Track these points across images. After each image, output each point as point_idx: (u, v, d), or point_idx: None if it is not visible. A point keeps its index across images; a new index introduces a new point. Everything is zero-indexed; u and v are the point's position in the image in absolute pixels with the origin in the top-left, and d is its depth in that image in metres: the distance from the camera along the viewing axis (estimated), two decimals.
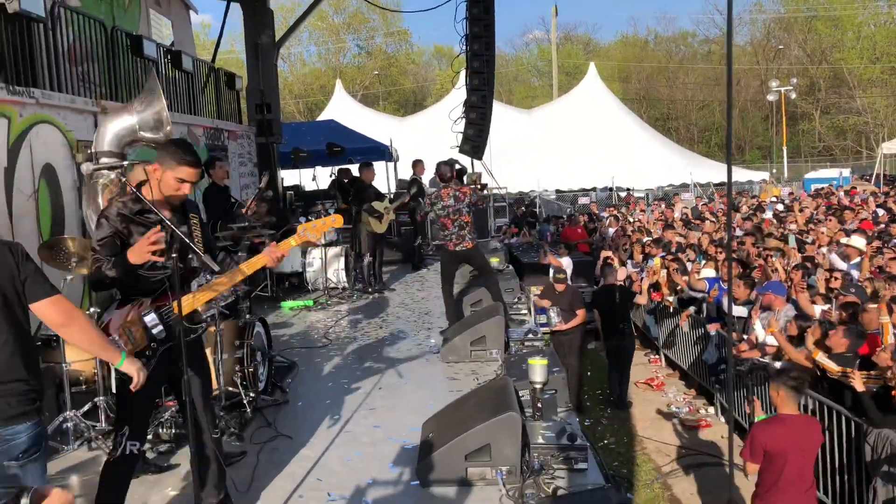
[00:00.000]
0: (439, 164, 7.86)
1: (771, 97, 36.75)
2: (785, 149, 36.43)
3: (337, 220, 3.93)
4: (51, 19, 7.24)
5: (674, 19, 75.34)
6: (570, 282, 10.57)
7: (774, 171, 34.59)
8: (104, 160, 4.77)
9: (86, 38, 8.28)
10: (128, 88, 9.11)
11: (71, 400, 4.72)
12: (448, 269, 7.58)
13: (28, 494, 0.94)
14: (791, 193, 21.28)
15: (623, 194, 24.72)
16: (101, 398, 4.72)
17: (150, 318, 3.27)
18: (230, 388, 5.16)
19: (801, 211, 14.60)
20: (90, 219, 4.66)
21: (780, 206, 16.56)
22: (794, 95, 36.51)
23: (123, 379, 3.11)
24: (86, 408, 4.81)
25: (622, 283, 10.27)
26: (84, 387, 4.89)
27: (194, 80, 11.40)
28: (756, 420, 4.68)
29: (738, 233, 12.45)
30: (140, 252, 3.11)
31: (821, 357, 5.96)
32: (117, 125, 4.99)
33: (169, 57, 10.50)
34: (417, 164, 13.01)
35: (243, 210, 7.08)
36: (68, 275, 4.83)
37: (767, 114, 46.14)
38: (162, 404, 5.12)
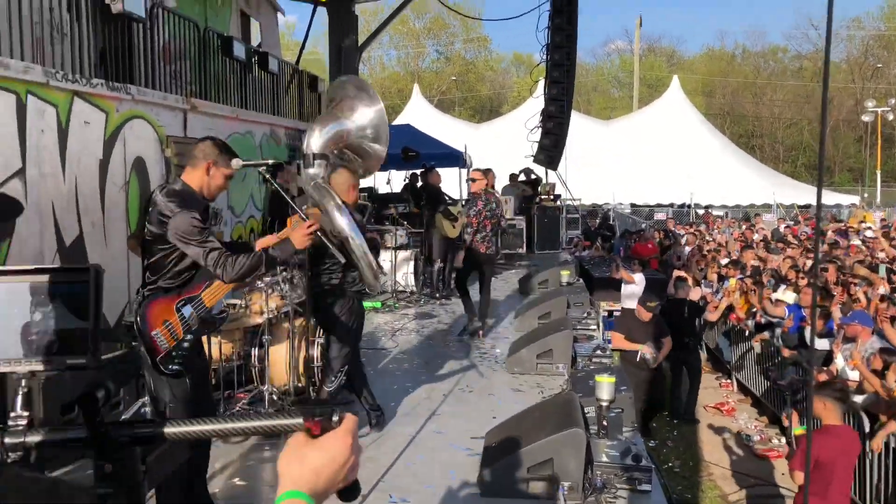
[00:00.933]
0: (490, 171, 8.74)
1: (866, 117, 35.10)
2: (879, 172, 34.72)
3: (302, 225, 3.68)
4: (150, 19, 7.59)
5: (764, 34, 72.89)
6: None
7: (866, 195, 33.02)
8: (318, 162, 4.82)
9: (180, 38, 8.64)
10: (217, 87, 9.46)
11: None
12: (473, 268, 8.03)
13: (338, 413, 1.03)
14: (884, 219, 20.23)
15: (701, 212, 24.08)
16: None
17: (188, 310, 3.32)
18: (299, 384, 5.27)
19: (893, 239, 13.89)
20: (332, 209, 4.68)
21: (869, 233, 15.77)
22: (891, 116, 34.76)
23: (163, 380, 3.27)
24: None
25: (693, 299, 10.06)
26: None
27: (279, 81, 11.74)
28: (794, 432, 4.62)
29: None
30: (301, 237, 3.37)
31: None
32: (335, 129, 5.05)
33: (256, 58, 10.84)
34: (488, 173, 12.98)
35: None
36: None
37: (861, 135, 44.15)
38: (233, 396, 5.30)
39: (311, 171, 4.71)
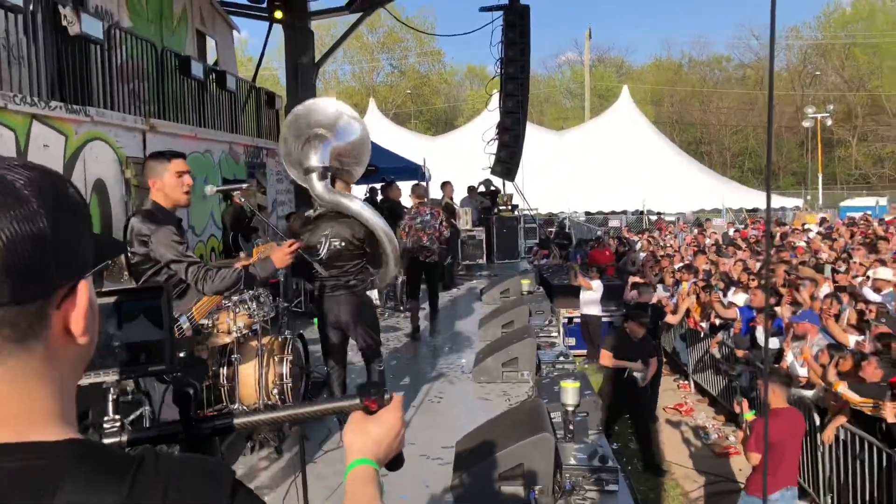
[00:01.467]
0: (418, 186, 9.27)
1: (806, 123, 36.44)
2: (820, 175, 36.04)
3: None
4: (107, 41, 7.56)
5: (708, 44, 75.11)
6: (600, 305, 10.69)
7: (809, 197, 34.22)
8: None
9: (137, 59, 8.62)
10: (175, 106, 9.44)
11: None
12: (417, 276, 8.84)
13: (389, 392, 1.22)
14: (825, 221, 21.04)
15: (654, 218, 24.67)
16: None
17: (184, 321, 3.49)
18: (269, 402, 5.32)
19: (834, 240, 14.49)
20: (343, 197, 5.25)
21: (812, 234, 16.42)
22: (830, 122, 36.16)
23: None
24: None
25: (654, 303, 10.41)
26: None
27: (236, 99, 11.75)
28: (745, 417, 5.17)
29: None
30: (283, 256, 3.51)
31: (842, 388, 5.98)
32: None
33: (213, 76, 10.84)
34: (446, 186, 13.18)
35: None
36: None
37: (803, 140, 45.74)
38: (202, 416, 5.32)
39: (320, 185, 5.08)
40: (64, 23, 6.73)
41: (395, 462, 1.26)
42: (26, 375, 0.76)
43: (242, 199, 3.99)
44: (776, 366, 7.44)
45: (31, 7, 6.33)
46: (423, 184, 10.26)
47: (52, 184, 0.80)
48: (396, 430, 1.21)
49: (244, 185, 3.66)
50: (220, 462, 0.90)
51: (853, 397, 5.92)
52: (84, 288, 0.81)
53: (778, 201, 26.97)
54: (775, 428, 4.98)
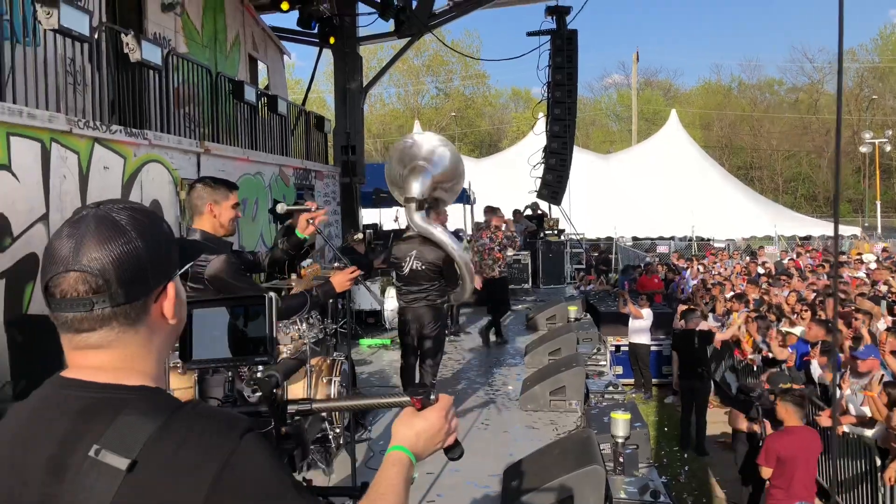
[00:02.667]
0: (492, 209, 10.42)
1: (864, 148, 35.49)
2: (878, 203, 34.95)
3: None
4: (164, 66, 7.79)
5: (760, 66, 73.93)
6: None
7: (866, 224, 33.20)
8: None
9: (192, 84, 8.86)
10: (228, 130, 9.66)
11: None
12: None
13: (435, 394, 1.44)
14: (885, 250, 20.34)
15: (703, 244, 24.22)
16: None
17: None
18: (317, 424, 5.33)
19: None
20: (428, 224, 6.00)
21: (872, 265, 15.88)
22: (888, 147, 35.13)
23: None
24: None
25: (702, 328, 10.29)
26: None
27: (286, 123, 11.97)
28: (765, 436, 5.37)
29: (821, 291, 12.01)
30: (342, 282, 3.53)
31: None
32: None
33: (265, 100, 11.07)
34: (494, 212, 13.15)
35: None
36: None
37: (860, 166, 44.53)
38: None
39: (417, 214, 5.92)
40: (126, 50, 6.96)
41: (451, 451, 1.51)
42: (134, 346, 1.13)
43: (315, 224, 4.00)
44: (791, 387, 7.33)
45: (95, 36, 6.57)
46: (497, 207, 10.90)
47: (145, 217, 1.16)
48: (438, 427, 1.41)
49: (313, 208, 3.70)
50: (243, 416, 1.15)
51: None
52: (172, 286, 1.17)
53: (833, 229, 26.21)
54: (787, 445, 5.38)
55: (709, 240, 24.62)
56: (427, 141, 6.26)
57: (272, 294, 1.75)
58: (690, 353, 9.60)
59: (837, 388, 7.14)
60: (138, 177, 7.00)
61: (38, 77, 5.92)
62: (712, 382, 11.70)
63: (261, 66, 14.57)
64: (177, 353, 1.68)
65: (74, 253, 1.08)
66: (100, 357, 1.11)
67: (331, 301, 7.42)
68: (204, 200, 3.39)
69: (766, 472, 5.52)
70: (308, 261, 7.09)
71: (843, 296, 10.97)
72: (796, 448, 5.38)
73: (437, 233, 5.93)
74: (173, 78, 8.25)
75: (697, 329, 9.83)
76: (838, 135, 1.83)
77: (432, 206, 6.09)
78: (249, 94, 10.07)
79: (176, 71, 8.36)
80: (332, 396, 5.39)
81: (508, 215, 15.64)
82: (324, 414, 5.33)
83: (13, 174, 5.32)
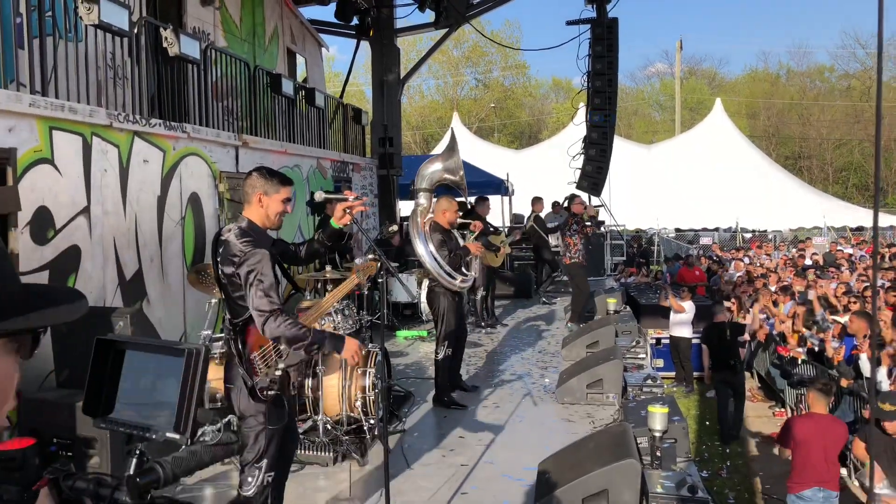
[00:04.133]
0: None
1: None
2: None
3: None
4: (203, 60, 7.88)
5: (809, 53, 71.73)
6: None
7: None
8: (421, 194, 6.42)
9: (231, 77, 8.94)
10: (266, 123, 9.74)
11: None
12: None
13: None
14: None
15: (748, 236, 23.66)
16: (234, 416, 4.99)
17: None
18: (351, 414, 5.34)
19: None
20: (414, 236, 6.35)
21: None
22: None
23: (276, 415, 3.32)
24: (221, 423, 5.11)
25: (730, 319, 10.42)
26: (220, 403, 5.21)
27: (324, 115, 12.02)
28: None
29: (879, 283, 11.61)
30: (350, 351, 3.41)
31: None
32: (429, 169, 6.50)
33: (303, 93, 11.13)
34: (536, 202, 13.06)
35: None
36: (212, 298, 5.18)
37: None
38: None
39: (419, 200, 6.35)
40: (165, 44, 7.05)
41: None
42: None
43: (351, 214, 3.98)
44: (819, 376, 8.23)
45: (135, 30, 6.67)
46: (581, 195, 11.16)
47: None
48: None
49: (351, 198, 3.69)
50: None
51: None
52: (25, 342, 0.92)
53: (886, 220, 25.33)
54: (805, 428, 5.65)
55: (754, 231, 24.05)
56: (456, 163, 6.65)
57: (197, 348, 1.42)
58: (720, 345, 9.57)
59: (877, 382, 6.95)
60: (177, 170, 7.10)
61: (79, 72, 6.03)
62: (757, 376, 11.45)
63: (299, 60, 14.66)
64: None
65: None
66: None
67: (366, 292, 7.44)
68: (255, 189, 3.34)
69: (784, 452, 5.86)
70: (360, 260, 7.14)
71: (893, 292, 10.59)
72: (814, 433, 5.57)
73: (413, 234, 6.34)
74: (212, 72, 8.33)
75: (727, 321, 9.86)
76: (878, 120, 1.73)
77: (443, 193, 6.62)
78: (287, 87, 10.13)
79: (214, 65, 8.45)
80: (367, 388, 5.41)
81: (548, 208, 15.53)
82: (360, 402, 5.34)
83: (56, 167, 5.44)
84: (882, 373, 7.50)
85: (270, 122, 9.90)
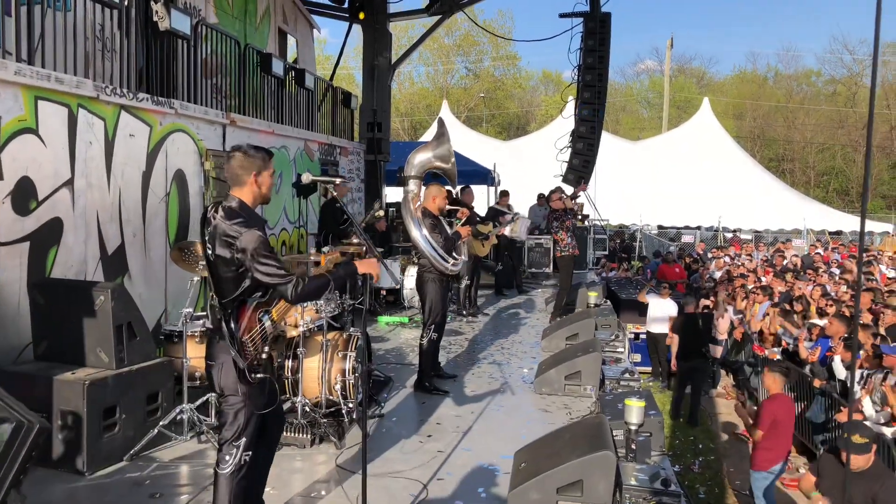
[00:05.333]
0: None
1: None
2: None
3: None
4: (193, 36, 7.80)
5: (798, 56, 72.19)
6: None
7: None
8: (411, 181, 6.44)
9: (221, 55, 8.86)
10: (254, 102, 9.66)
11: (187, 393, 5.04)
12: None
13: None
14: None
15: (729, 235, 23.88)
16: (213, 394, 4.99)
17: (266, 320, 3.36)
18: (330, 397, 5.36)
19: None
20: (408, 221, 6.40)
21: None
22: None
23: (259, 397, 3.35)
24: (199, 402, 5.11)
25: (702, 310, 10.81)
26: (199, 382, 5.21)
27: (313, 97, 11.95)
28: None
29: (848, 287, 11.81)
30: (368, 266, 3.57)
31: None
32: (419, 157, 6.54)
33: (293, 74, 11.05)
34: (504, 196, 13.06)
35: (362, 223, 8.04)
36: (195, 276, 5.17)
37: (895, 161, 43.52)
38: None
39: (409, 186, 6.39)
40: (155, 18, 6.97)
41: None
42: None
43: (335, 193, 4.08)
44: (777, 360, 8.88)
45: (125, 3, 6.58)
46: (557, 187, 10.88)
47: None
48: None
49: (337, 180, 3.77)
50: None
51: None
52: None
53: (865, 225, 25.64)
54: (781, 409, 6.17)
55: (736, 231, 24.27)
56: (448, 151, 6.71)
57: (29, 424, 1.27)
58: (695, 335, 9.95)
59: (857, 385, 7.07)
60: (163, 146, 7.04)
61: (67, 42, 5.95)
62: (732, 374, 11.61)
63: (290, 40, 14.55)
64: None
65: None
66: None
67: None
68: (247, 170, 3.33)
69: (759, 435, 6.19)
70: (327, 247, 7.12)
71: (872, 294, 10.77)
72: (782, 412, 6.19)
73: (407, 219, 6.41)
74: (202, 48, 8.25)
75: (698, 312, 10.28)
76: (870, 121, 1.76)
77: (433, 181, 6.71)
78: (277, 67, 10.05)
79: (205, 41, 8.36)
80: (346, 371, 5.43)
81: (533, 200, 15.56)
82: (339, 386, 5.36)
83: (40, 138, 5.37)
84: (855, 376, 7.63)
85: (259, 101, 9.82)
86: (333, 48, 52.52)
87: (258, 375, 3.31)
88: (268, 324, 3.35)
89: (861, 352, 7.79)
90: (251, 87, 9.60)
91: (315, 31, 16.27)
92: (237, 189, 3.37)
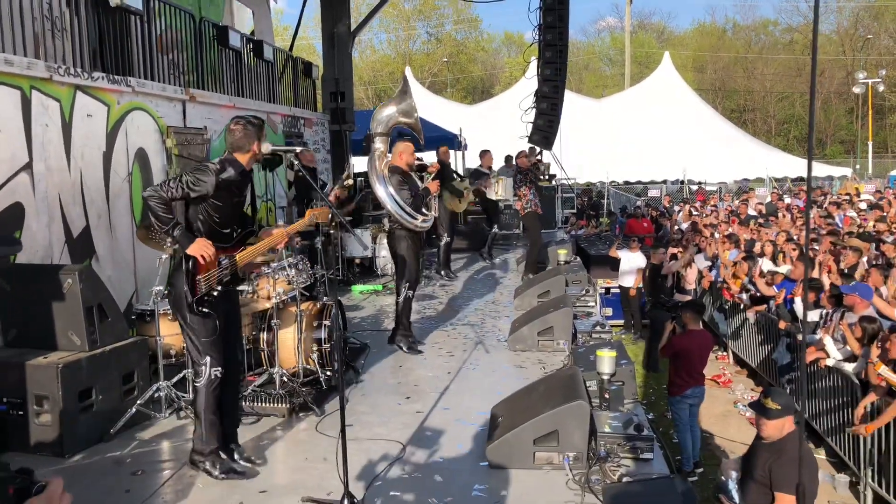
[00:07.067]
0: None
1: (857, 89, 35.14)
2: (870, 144, 34.83)
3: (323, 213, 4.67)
4: (146, 11, 7.63)
5: (754, 7, 72.57)
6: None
7: (858, 167, 33.17)
8: (378, 138, 6.46)
9: (176, 29, 8.68)
10: (213, 76, 9.51)
11: (163, 371, 5.06)
12: None
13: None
14: (878, 191, 20.35)
15: (695, 188, 24.21)
16: (189, 370, 5.01)
17: (225, 263, 4.02)
18: (307, 366, 5.42)
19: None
20: (373, 180, 6.44)
21: (862, 205, 15.95)
22: (881, 88, 34.79)
23: (209, 325, 3.94)
24: (176, 379, 5.13)
25: (669, 259, 11.28)
26: (174, 359, 5.23)
27: (273, 69, 11.77)
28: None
29: (815, 230, 12.11)
30: (196, 248, 3.88)
31: (883, 370, 5.83)
32: (384, 113, 6.58)
33: (251, 46, 10.87)
34: (485, 155, 13.07)
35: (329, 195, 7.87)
36: (163, 254, 5.15)
37: (853, 106, 44.24)
38: (244, 380, 5.43)
39: (376, 144, 6.41)
40: None
41: None
42: None
43: (297, 162, 4.25)
44: (694, 300, 9.82)
45: None
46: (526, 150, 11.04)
47: None
48: None
49: (298, 149, 4.00)
50: None
51: (893, 379, 5.77)
52: None
53: (824, 170, 26.16)
54: (683, 343, 7.12)
55: (701, 183, 24.60)
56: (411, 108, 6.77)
57: None
58: (660, 284, 10.53)
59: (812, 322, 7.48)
60: (123, 125, 6.92)
61: (14, 23, 5.79)
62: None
63: (247, 12, 14.26)
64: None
65: None
66: None
67: (319, 247, 7.47)
68: (251, 140, 4.03)
69: (664, 363, 7.53)
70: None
71: (832, 237, 11.05)
72: (693, 346, 7.08)
73: (372, 178, 6.45)
74: (156, 23, 8.08)
75: (657, 263, 10.83)
76: (813, 73, 1.83)
77: (400, 138, 6.83)
78: (234, 39, 9.88)
79: (158, 16, 8.17)
80: (322, 340, 5.49)
81: (501, 161, 15.58)
82: (316, 355, 5.43)
83: None
84: (815, 315, 7.90)
85: (218, 75, 9.66)
86: (290, 18, 51.63)
87: (203, 309, 3.88)
88: (226, 267, 3.97)
89: (823, 294, 8.04)
90: (209, 61, 9.43)
91: (272, 0, 15.95)
92: (239, 154, 4.03)
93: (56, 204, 5.92)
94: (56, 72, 5.90)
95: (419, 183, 6.67)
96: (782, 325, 8.67)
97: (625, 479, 3.87)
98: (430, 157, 11.59)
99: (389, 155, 6.50)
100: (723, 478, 4.57)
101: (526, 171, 9.85)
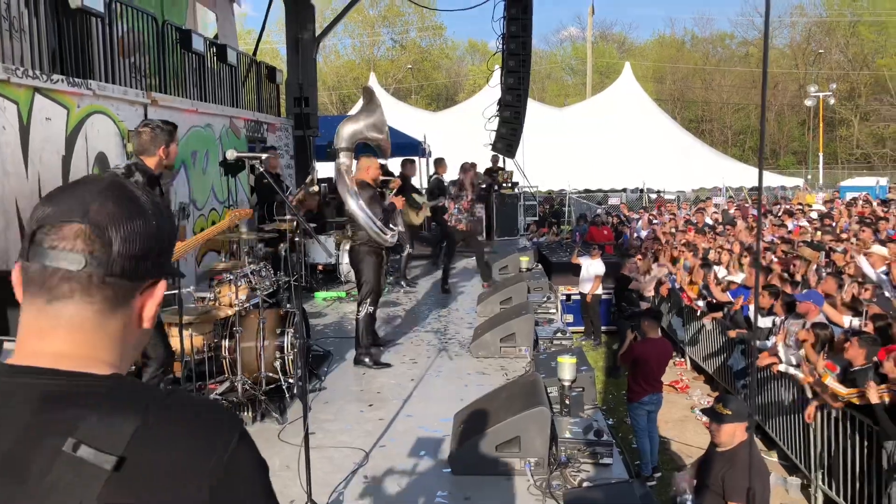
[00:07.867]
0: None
1: (809, 102, 36.14)
2: (821, 155, 35.90)
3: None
4: (108, 13, 7.54)
5: (712, 20, 74.37)
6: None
7: (809, 177, 34.14)
8: (342, 153, 6.32)
9: (138, 32, 8.58)
10: (176, 80, 9.42)
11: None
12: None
13: None
14: (829, 202, 20.98)
15: (653, 196, 24.66)
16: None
17: None
18: (270, 374, 5.41)
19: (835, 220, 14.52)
20: (344, 194, 6.34)
21: (813, 215, 16.45)
22: (832, 101, 35.89)
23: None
24: (148, 377, 5.08)
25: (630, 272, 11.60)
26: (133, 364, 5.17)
27: (237, 73, 11.69)
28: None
29: (769, 239, 12.46)
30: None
31: (830, 381, 6.04)
32: (350, 128, 6.38)
33: (214, 50, 10.79)
34: (440, 163, 13.12)
35: (290, 199, 7.73)
36: None
37: (805, 118, 45.53)
38: (205, 387, 5.39)
39: (340, 159, 6.27)
40: None
41: None
42: (105, 333, 0.99)
43: (262, 168, 4.36)
44: (652, 308, 9.88)
45: None
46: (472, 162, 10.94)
47: (159, 205, 1.06)
48: None
49: (263, 156, 4.00)
50: (233, 412, 1.05)
51: (840, 390, 5.98)
52: (161, 286, 1.05)
53: (778, 180, 26.92)
54: (643, 351, 7.19)
55: (659, 192, 25.07)
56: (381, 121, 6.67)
57: None
58: (624, 294, 10.95)
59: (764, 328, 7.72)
60: (83, 128, 6.83)
61: None
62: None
63: (210, 15, 14.14)
64: None
65: (81, 207, 0.96)
66: (63, 342, 0.96)
67: (283, 254, 7.46)
68: (157, 144, 4.03)
69: (624, 367, 7.77)
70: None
71: (785, 246, 11.39)
72: (650, 353, 7.18)
73: (343, 192, 6.35)
74: (117, 26, 7.98)
75: (623, 274, 11.21)
76: (764, 88, 1.93)
77: (364, 152, 6.84)
78: (198, 43, 9.80)
79: (120, 18, 8.08)
80: (285, 348, 5.48)
81: (456, 172, 15.65)
82: (279, 363, 5.42)
83: None
84: (768, 321, 8.13)
85: (181, 79, 9.58)
86: (254, 22, 51.22)
87: None
88: None
89: (776, 301, 8.29)
90: (171, 64, 9.34)
91: (235, 4, 15.83)
92: (147, 158, 4.06)
93: (13, 208, 5.81)
94: (14, 73, 5.80)
95: (384, 198, 6.70)
96: (732, 333, 8.90)
97: (585, 484, 3.97)
98: (395, 164, 11.64)
99: (353, 170, 6.45)
100: (675, 494, 4.66)
101: (461, 185, 9.96)
